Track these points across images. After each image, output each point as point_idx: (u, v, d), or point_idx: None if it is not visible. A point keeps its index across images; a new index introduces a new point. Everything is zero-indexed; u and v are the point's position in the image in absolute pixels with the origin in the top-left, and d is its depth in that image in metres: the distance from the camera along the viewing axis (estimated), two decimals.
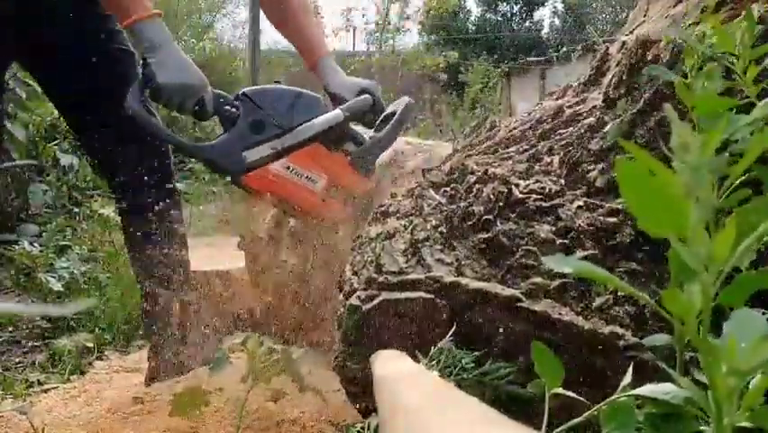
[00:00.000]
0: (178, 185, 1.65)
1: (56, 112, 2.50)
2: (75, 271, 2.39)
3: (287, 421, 1.31)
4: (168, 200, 1.56)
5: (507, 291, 0.81)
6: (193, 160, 4.22)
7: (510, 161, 1.04)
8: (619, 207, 0.87)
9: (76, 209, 3.51)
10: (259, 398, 1.21)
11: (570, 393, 0.58)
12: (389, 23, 11.01)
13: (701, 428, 0.45)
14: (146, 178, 1.51)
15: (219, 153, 1.32)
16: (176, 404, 1.14)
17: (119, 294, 2.14)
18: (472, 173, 1.00)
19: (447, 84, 12.32)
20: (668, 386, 0.46)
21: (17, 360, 1.83)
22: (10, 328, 2.04)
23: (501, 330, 0.81)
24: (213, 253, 2.24)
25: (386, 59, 10.56)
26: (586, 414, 0.55)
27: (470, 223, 0.91)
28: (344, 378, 0.95)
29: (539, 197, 0.91)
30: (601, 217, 0.86)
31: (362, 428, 0.85)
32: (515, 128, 1.15)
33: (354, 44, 12.77)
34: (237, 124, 1.32)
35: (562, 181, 0.95)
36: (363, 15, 17.18)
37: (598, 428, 0.51)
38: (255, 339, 1.04)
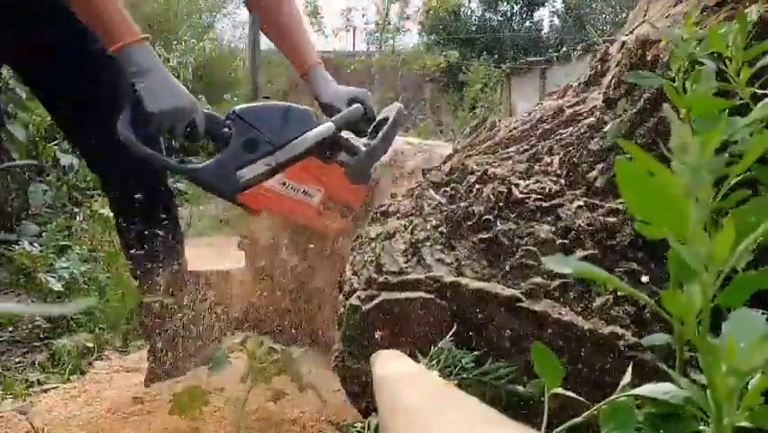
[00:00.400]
0: (178, 185, 1.65)
1: None
2: (75, 271, 2.39)
3: (287, 421, 1.31)
4: (160, 197, 1.56)
5: (508, 291, 0.81)
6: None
7: (510, 161, 1.05)
8: (619, 207, 0.87)
9: (76, 209, 3.51)
10: (259, 398, 1.21)
11: (570, 393, 0.58)
12: (389, 23, 11.02)
13: (701, 428, 0.45)
14: (135, 176, 1.50)
15: (214, 175, 1.33)
16: (176, 404, 1.14)
17: (119, 294, 2.14)
18: (472, 173, 1.00)
19: (447, 84, 12.33)
20: (668, 386, 0.46)
21: (17, 360, 1.83)
22: (10, 328, 2.04)
23: (501, 330, 0.82)
24: (213, 253, 2.24)
25: (386, 59, 10.58)
26: (586, 414, 0.55)
27: (470, 223, 0.91)
28: (344, 378, 0.95)
29: (539, 197, 0.91)
30: (601, 217, 0.86)
31: (362, 428, 0.85)
32: (515, 128, 1.15)
33: (354, 44, 12.79)
34: (230, 144, 1.33)
35: (562, 181, 0.95)
36: (363, 15, 17.20)
37: (598, 429, 0.51)
38: (255, 339, 1.04)
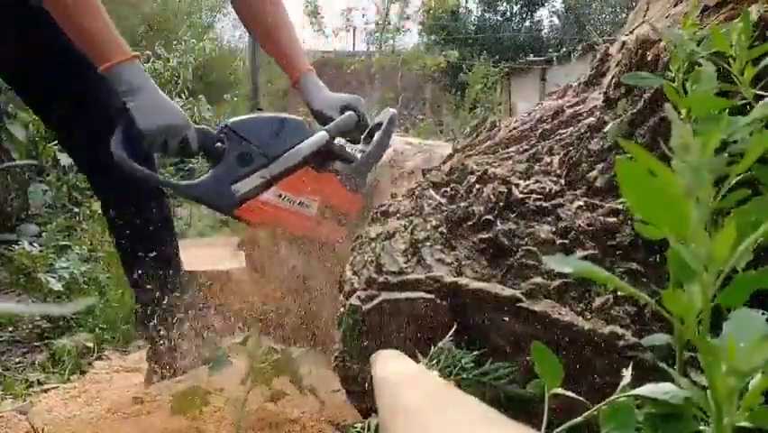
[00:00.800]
0: None
1: None
2: (75, 271, 2.39)
3: (287, 421, 1.31)
4: (151, 196, 1.55)
5: (508, 291, 0.81)
6: (193, 160, 4.23)
7: (510, 161, 1.04)
8: (619, 207, 0.87)
9: (76, 209, 3.51)
10: (259, 398, 1.21)
11: (569, 393, 0.58)
12: (389, 23, 11.01)
13: (701, 428, 0.45)
14: (129, 189, 1.49)
15: (209, 190, 1.33)
16: (176, 404, 1.14)
17: (119, 294, 2.14)
18: (472, 173, 1.00)
19: (447, 84, 12.32)
20: (668, 386, 0.46)
21: (17, 360, 1.83)
22: (10, 328, 2.04)
23: (501, 330, 0.82)
24: (213, 253, 2.24)
25: (386, 59, 10.57)
26: (586, 414, 0.55)
27: (470, 223, 0.91)
28: (344, 378, 0.95)
29: (539, 197, 0.91)
30: (601, 217, 0.86)
31: (362, 428, 0.85)
32: (515, 128, 1.15)
33: (354, 44, 12.79)
34: (224, 159, 1.33)
35: (562, 181, 0.95)
36: (363, 15, 17.13)
37: (598, 429, 0.51)
38: (255, 339, 1.04)
